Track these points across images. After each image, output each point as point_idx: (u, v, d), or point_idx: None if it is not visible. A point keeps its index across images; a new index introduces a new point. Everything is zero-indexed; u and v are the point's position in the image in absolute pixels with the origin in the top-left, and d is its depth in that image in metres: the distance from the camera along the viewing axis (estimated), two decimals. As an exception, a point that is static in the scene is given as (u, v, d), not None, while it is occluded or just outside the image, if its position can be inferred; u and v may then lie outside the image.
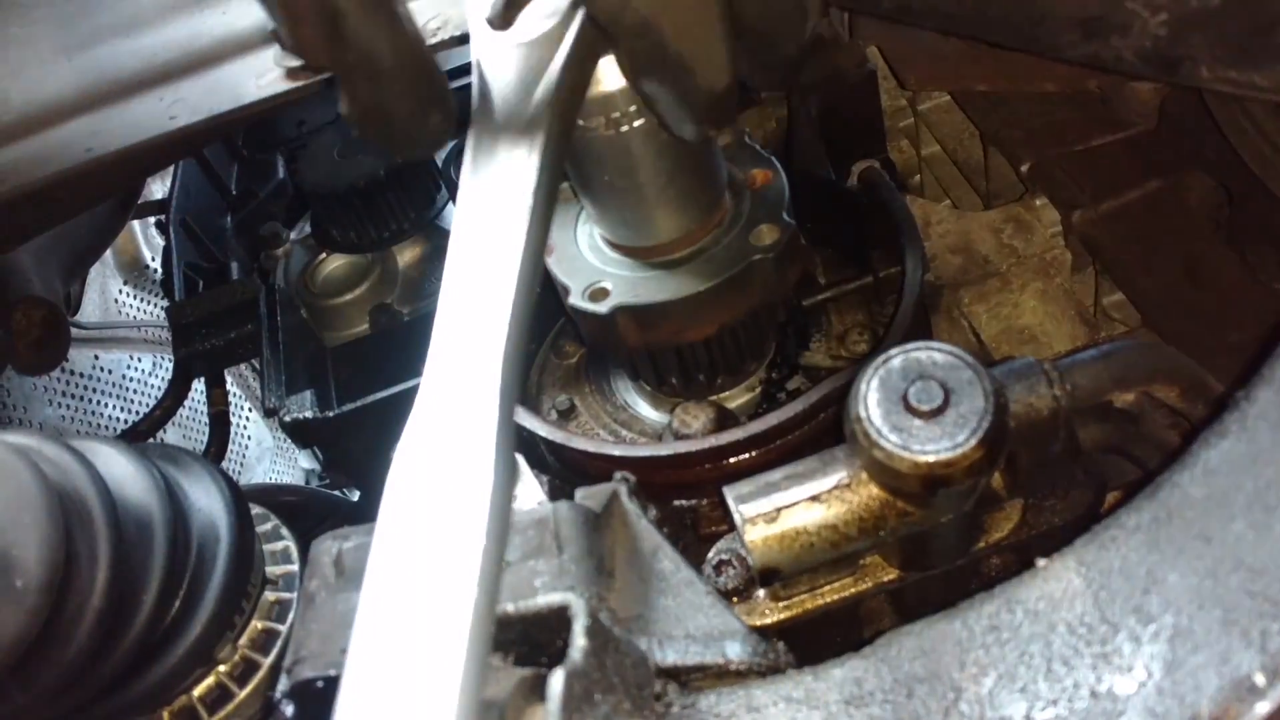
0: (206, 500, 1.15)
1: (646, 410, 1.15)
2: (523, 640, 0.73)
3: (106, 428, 2.03)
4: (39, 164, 1.13)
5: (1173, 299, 1.03)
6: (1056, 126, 1.23)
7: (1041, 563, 0.69)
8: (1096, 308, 1.15)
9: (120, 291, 2.24)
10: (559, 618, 0.71)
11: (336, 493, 2.16)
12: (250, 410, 2.60)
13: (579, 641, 0.67)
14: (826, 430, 1.01)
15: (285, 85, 1.09)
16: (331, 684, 0.80)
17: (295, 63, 1.09)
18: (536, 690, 0.66)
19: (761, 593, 0.94)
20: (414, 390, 1.17)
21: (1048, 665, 0.64)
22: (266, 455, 2.67)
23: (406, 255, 1.48)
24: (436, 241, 1.48)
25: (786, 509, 0.84)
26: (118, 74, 1.16)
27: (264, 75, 1.11)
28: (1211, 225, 1.06)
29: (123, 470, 1.08)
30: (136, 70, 1.15)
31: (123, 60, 1.17)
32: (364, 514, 1.41)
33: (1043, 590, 0.67)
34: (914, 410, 0.78)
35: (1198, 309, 1.01)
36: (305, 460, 2.78)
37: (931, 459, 0.77)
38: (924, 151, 1.51)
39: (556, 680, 0.63)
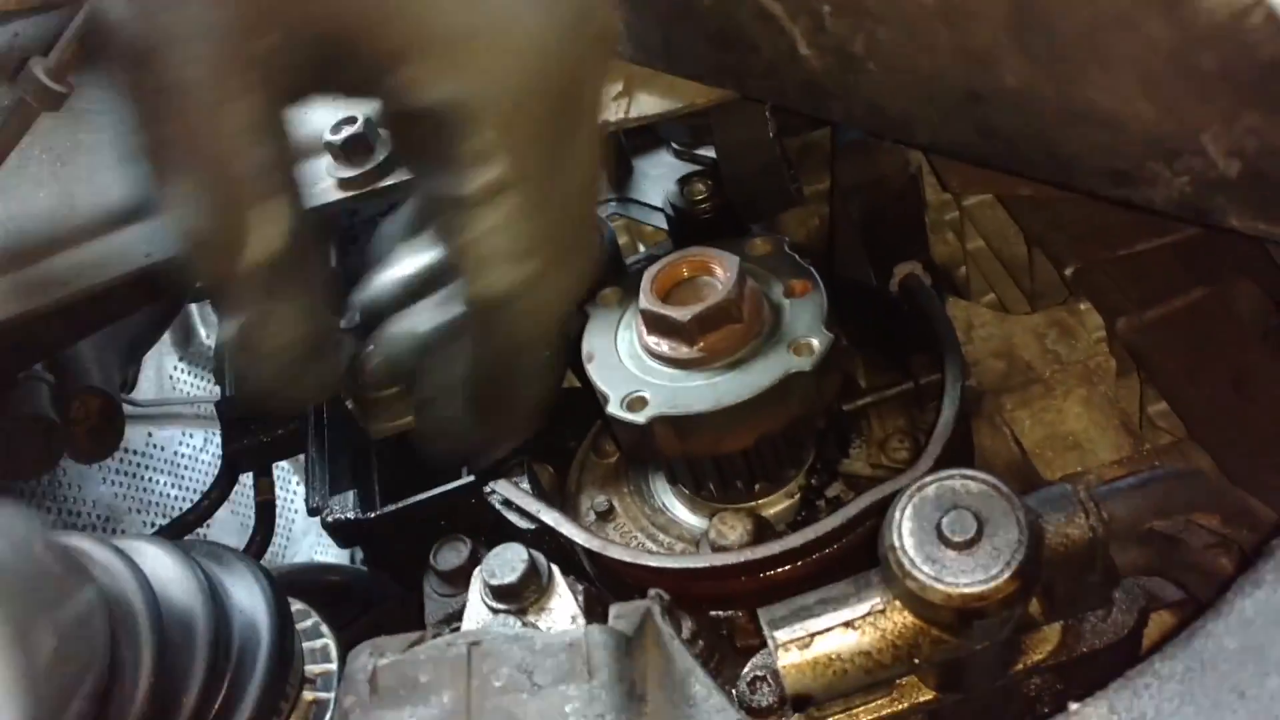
0: (249, 599, 1.16)
1: (685, 514, 1.15)
2: (551, 772, 0.73)
3: (158, 505, 2.07)
4: (100, 268, 1.17)
5: (1220, 412, 1.02)
6: (1101, 230, 1.22)
7: (1074, 707, 0.68)
8: (1142, 416, 1.13)
9: (175, 368, 2.29)
10: (586, 752, 0.71)
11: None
12: (299, 483, 2.63)
13: (605, 778, 0.66)
14: (864, 544, 1.00)
15: (337, 195, 1.12)
16: (363, 806, 0.81)
17: (348, 173, 1.12)
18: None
19: (796, 716, 0.93)
20: (453, 494, 1.20)
21: (1079, 817, 0.63)
22: (314, 528, 2.69)
23: (453, 346, 1.50)
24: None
25: (820, 634, 0.84)
26: (178, 180, 1.20)
27: (317, 183, 1.15)
28: (1260, 336, 1.05)
29: (167, 572, 1.09)
30: (194, 177, 1.19)
31: (183, 167, 1.21)
32: (402, 612, 1.41)
33: (1076, 736, 0.66)
34: (947, 541, 0.77)
35: (1246, 423, 1.00)
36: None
37: (965, 591, 0.76)
38: (969, 246, 1.50)
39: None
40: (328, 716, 1.18)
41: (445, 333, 0.81)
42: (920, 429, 1.13)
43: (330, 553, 2.72)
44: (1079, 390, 1.15)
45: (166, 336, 2.23)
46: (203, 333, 2.34)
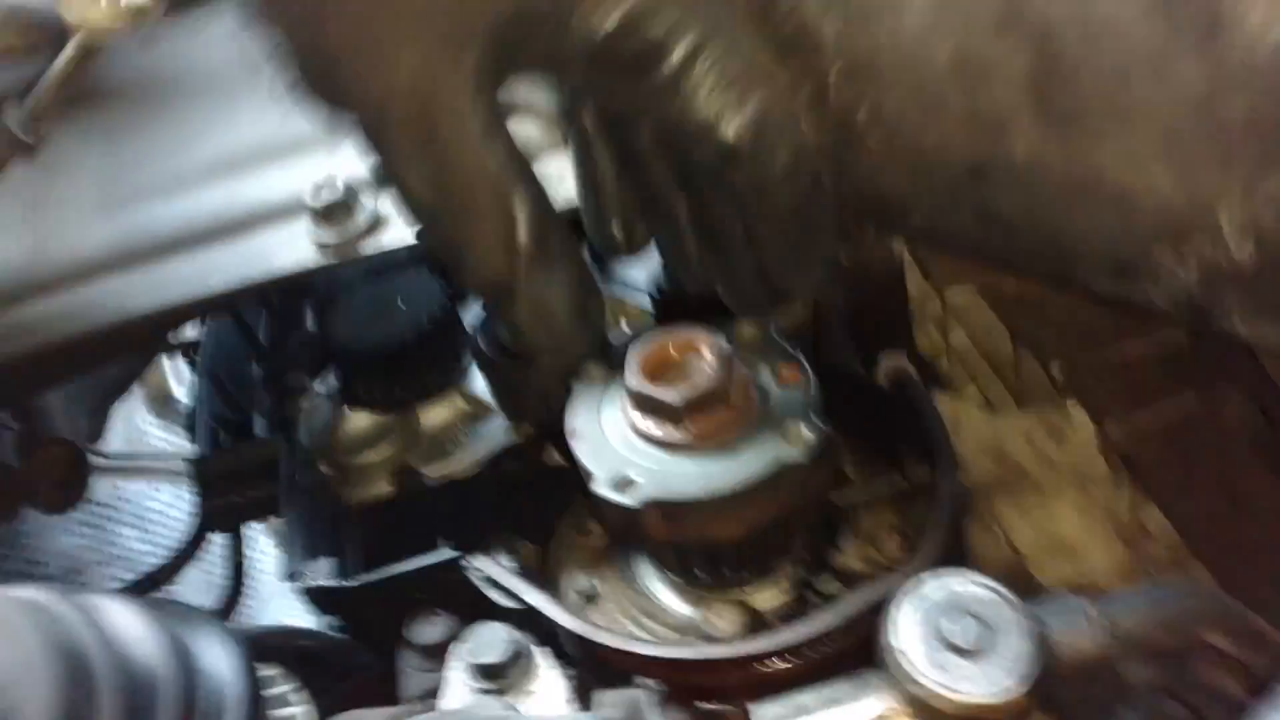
0: (216, 664, 1.11)
1: (672, 601, 1.12)
2: None
3: (124, 559, 2.00)
4: (71, 319, 1.15)
5: (1215, 526, 1.02)
6: (1087, 329, 1.23)
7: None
8: (1135, 523, 1.13)
9: (144, 421, 2.24)
10: None
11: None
12: (267, 542, 2.57)
13: None
14: (861, 640, 0.99)
15: (316, 259, 1.10)
16: None
17: (325, 239, 1.11)
18: None
19: (788, 818, 0.90)
20: (440, 565, 1.17)
21: None
22: (281, 590, 2.62)
23: (431, 416, 1.47)
24: (462, 403, 1.48)
25: (819, 739, 0.81)
26: (154, 234, 1.19)
27: (295, 246, 1.14)
28: (1252, 449, 1.05)
29: (132, 630, 1.05)
30: (172, 232, 1.18)
31: (159, 222, 1.20)
32: (386, 675, 1.37)
33: None
34: (954, 647, 0.76)
35: (1242, 539, 1.00)
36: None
37: (976, 701, 0.75)
38: (952, 340, 1.50)
39: None
40: (293, 791, 1.14)
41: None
42: (912, 525, 1.12)
43: (298, 616, 2.65)
44: (1071, 493, 1.14)
45: (137, 389, 2.18)
46: (174, 386, 2.29)
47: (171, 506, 2.23)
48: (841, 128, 0.86)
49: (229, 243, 1.15)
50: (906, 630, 0.77)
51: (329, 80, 0.67)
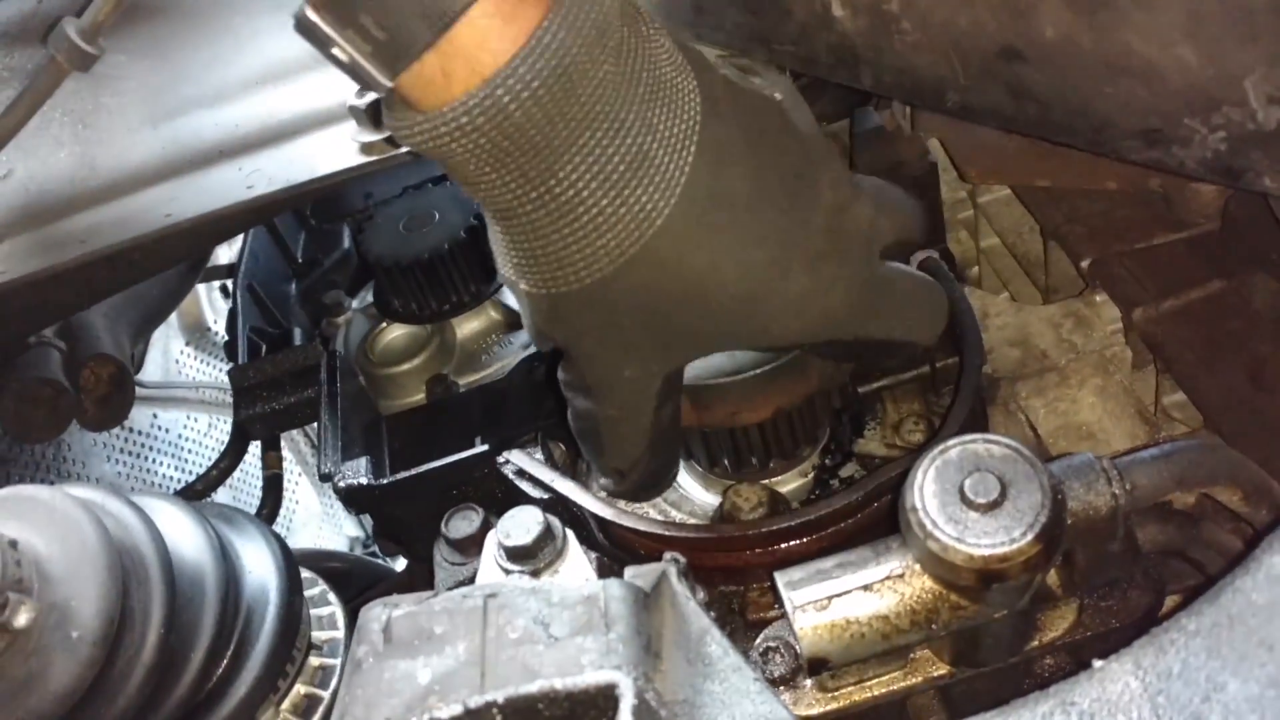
0: (258, 562, 1.15)
1: (697, 491, 1.14)
2: (568, 718, 0.72)
3: (161, 486, 2.06)
4: (119, 228, 1.17)
5: (1236, 402, 1.02)
6: (1118, 224, 1.23)
7: (1098, 664, 0.67)
8: (1157, 407, 1.13)
9: (181, 352, 2.28)
10: (605, 697, 0.71)
11: (381, 562, 2.17)
12: (300, 475, 2.63)
13: (626, 722, 0.66)
14: (880, 519, 1.00)
15: (359, 159, 1.12)
16: (375, 753, 0.80)
17: (368, 138, 1.12)
18: (580, 770, 0.66)
19: (809, 683, 0.93)
20: (466, 463, 1.20)
21: (1102, 771, 0.63)
22: (313, 520, 2.68)
23: (465, 328, 1.50)
24: (495, 315, 1.50)
25: (838, 597, 0.83)
26: (200, 144, 1.20)
27: (338, 149, 1.15)
28: (1277, 329, 1.05)
29: (180, 528, 1.09)
30: (217, 141, 1.20)
31: (205, 131, 1.22)
32: (407, 586, 1.41)
33: (1099, 693, 0.66)
34: (970, 503, 0.77)
35: (1262, 413, 1.00)
36: (351, 528, 2.80)
37: (986, 553, 0.76)
38: (983, 244, 1.51)
39: (602, 761, 0.62)
40: (333, 682, 1.18)
41: None
42: (935, 413, 1.13)
43: (330, 546, 2.72)
44: (1094, 380, 1.15)
45: (174, 320, 2.22)
46: (209, 317, 2.33)
47: (206, 436, 2.28)
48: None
49: (274, 149, 1.16)
50: (926, 490, 0.78)
51: (573, 365, 0.90)
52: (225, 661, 1.06)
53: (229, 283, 2.28)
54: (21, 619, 0.91)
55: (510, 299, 1.48)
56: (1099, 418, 1.13)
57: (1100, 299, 1.21)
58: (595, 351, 0.88)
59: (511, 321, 1.49)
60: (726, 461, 1.10)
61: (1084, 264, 1.22)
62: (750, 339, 0.87)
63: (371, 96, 1.16)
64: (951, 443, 0.80)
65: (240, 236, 1.78)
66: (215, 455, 1.72)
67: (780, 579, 0.86)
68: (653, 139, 0.77)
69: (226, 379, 2.27)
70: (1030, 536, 0.75)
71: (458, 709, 0.72)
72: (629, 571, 0.90)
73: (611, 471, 0.99)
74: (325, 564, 1.88)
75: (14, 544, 0.93)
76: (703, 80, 0.80)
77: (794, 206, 0.83)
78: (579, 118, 0.74)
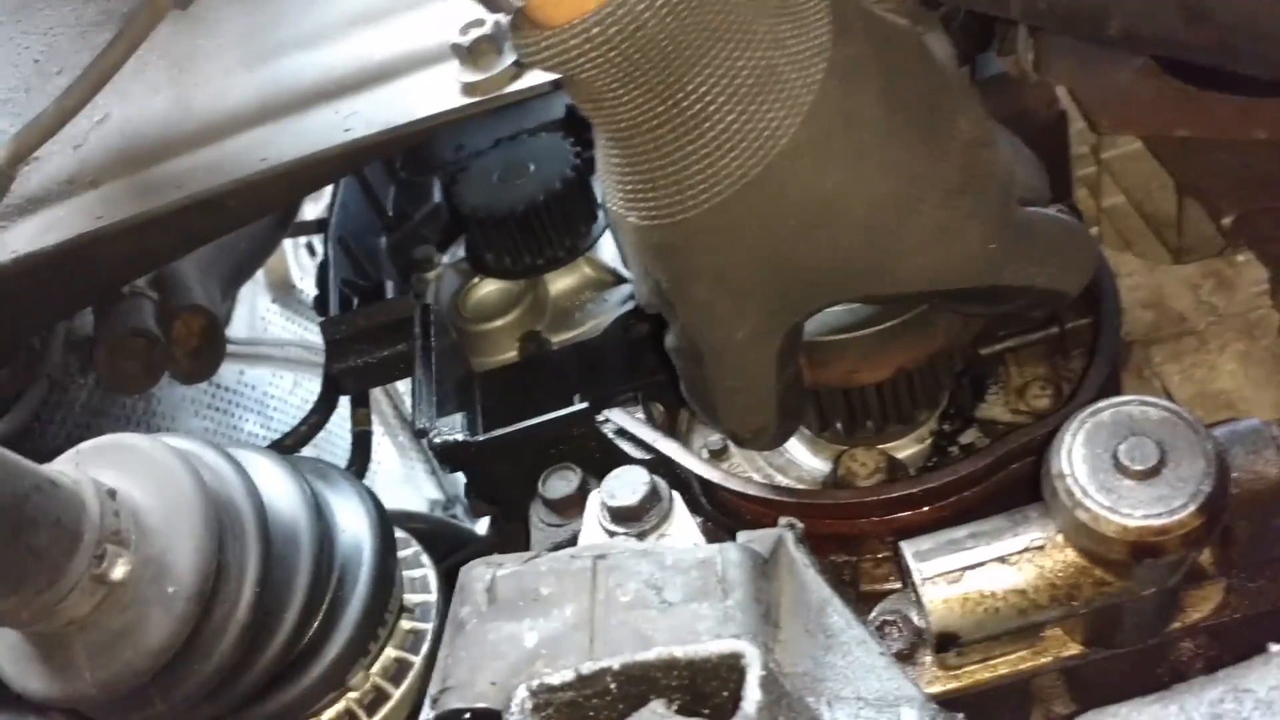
0: (353, 520, 1.13)
1: (804, 456, 1.09)
2: (687, 688, 0.68)
3: (246, 443, 2.05)
4: (215, 172, 1.14)
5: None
6: (1265, 177, 1.14)
7: (1276, 647, 0.61)
8: (1307, 374, 1.06)
9: (267, 309, 2.28)
10: (729, 666, 0.67)
11: (464, 525, 2.15)
12: (383, 435, 2.62)
13: (754, 694, 0.62)
14: (1007, 488, 0.94)
15: (460, 100, 1.07)
16: (479, 717, 0.77)
17: (471, 78, 1.08)
18: (704, 743, 0.61)
19: (928, 659, 0.87)
20: (563, 420, 1.16)
21: (1284, 766, 0.57)
22: (394, 482, 2.67)
23: (559, 284, 1.46)
24: (590, 271, 1.46)
25: (971, 570, 0.78)
26: (296, 86, 1.17)
27: (439, 91, 1.11)
28: None
29: (275, 483, 1.07)
30: (314, 83, 1.16)
31: (302, 73, 1.18)
32: (496, 548, 1.38)
33: (1278, 679, 0.60)
34: (1125, 470, 0.71)
35: None
36: (431, 490, 2.78)
37: (1143, 524, 0.70)
38: (1105, 203, 1.42)
39: (731, 734, 0.58)
40: (424, 647, 1.15)
41: None
42: (1064, 377, 1.06)
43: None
44: (1236, 345, 1.07)
45: (260, 276, 2.22)
46: (296, 274, 2.32)
47: (291, 394, 2.28)
48: None
49: (371, 91, 1.12)
50: (1076, 455, 0.72)
51: (689, 320, 0.85)
52: (318, 621, 1.04)
53: (316, 240, 2.28)
54: (119, 571, 0.89)
55: (605, 254, 1.44)
56: (1240, 385, 1.06)
57: (1243, 258, 1.13)
58: (707, 301, 0.83)
59: (605, 279, 1.45)
60: (839, 424, 1.04)
61: (1226, 221, 1.13)
62: (876, 282, 0.81)
63: (475, 34, 1.12)
64: (1103, 404, 0.74)
65: (329, 190, 1.75)
66: (300, 414, 1.71)
67: (907, 549, 0.81)
68: (781, 54, 0.73)
69: (311, 338, 2.28)
70: (1192, 508, 0.69)
71: (569, 675, 0.69)
72: (742, 536, 0.86)
73: (735, 437, 0.95)
74: (409, 525, 1.86)
75: (113, 493, 0.90)
76: (834, 1, 0.75)
77: (928, 138, 0.78)
78: (711, 28, 0.71)
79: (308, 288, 2.36)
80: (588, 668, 0.69)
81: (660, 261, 0.82)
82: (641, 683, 0.68)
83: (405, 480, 2.73)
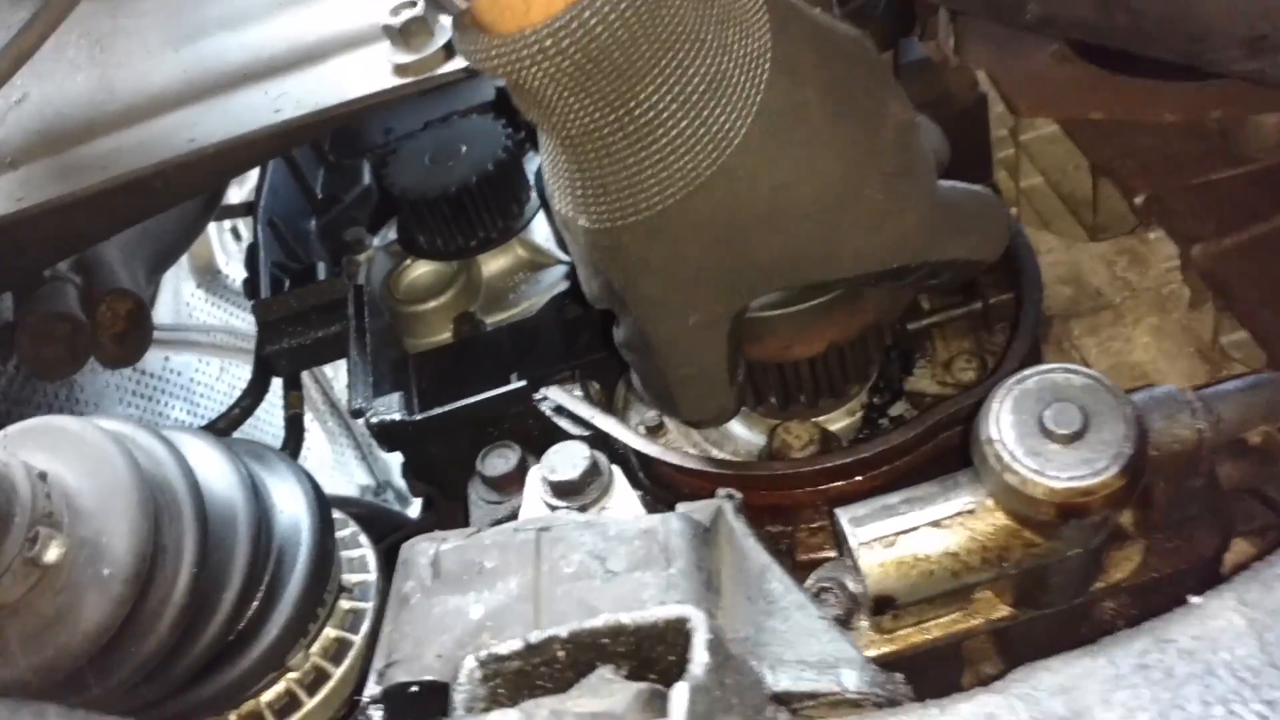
0: (290, 500, 1.12)
1: (740, 429, 1.11)
2: (634, 654, 0.69)
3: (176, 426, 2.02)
4: (141, 153, 1.12)
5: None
6: (1174, 158, 1.19)
7: (1196, 600, 0.64)
8: (1215, 345, 1.10)
9: (192, 295, 2.24)
10: (676, 631, 0.68)
11: (397, 510, 2.13)
12: (311, 421, 2.59)
13: (701, 656, 0.63)
14: (935, 458, 0.97)
15: (392, 81, 1.07)
16: (426, 690, 0.77)
17: (403, 59, 1.08)
18: (653, 704, 0.63)
19: (864, 624, 0.90)
20: (501, 399, 1.17)
21: (1205, 710, 0.60)
22: (324, 468, 2.65)
23: (492, 265, 1.45)
24: (523, 253, 1.46)
25: (905, 534, 0.80)
26: (224, 66, 1.15)
27: (370, 72, 1.10)
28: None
29: (210, 464, 1.06)
30: (243, 63, 1.15)
31: (229, 53, 1.17)
32: (430, 528, 1.37)
33: (1200, 629, 0.63)
34: (1050, 434, 0.74)
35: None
36: (362, 476, 2.76)
37: (1069, 486, 0.73)
38: (1024, 183, 1.47)
39: (680, 694, 0.59)
40: (364, 627, 1.15)
41: None
42: (987, 350, 1.10)
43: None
44: (1150, 318, 1.11)
45: (185, 261, 2.18)
46: (221, 259, 2.29)
47: (218, 380, 2.24)
48: None
49: (301, 72, 1.11)
50: (1004, 421, 0.75)
51: (641, 313, 0.87)
52: (257, 602, 1.03)
53: (241, 224, 2.24)
54: (51, 554, 0.88)
55: (538, 235, 1.44)
56: (1153, 357, 1.10)
57: (1155, 236, 1.18)
58: (656, 295, 0.85)
59: (539, 260, 1.45)
60: (773, 399, 1.06)
61: (1138, 200, 1.18)
62: (823, 264, 0.84)
63: (406, 15, 1.12)
64: (1029, 372, 0.77)
65: (253, 174, 1.73)
66: (227, 401, 1.68)
67: (843, 515, 0.83)
68: (728, 58, 0.74)
69: (237, 323, 2.25)
70: (1115, 469, 0.72)
71: (518, 644, 0.69)
72: (682, 507, 0.87)
73: (693, 422, 0.99)
74: (343, 509, 1.85)
75: (44, 476, 0.89)
76: (769, 1, 0.77)
77: (866, 124, 0.80)
78: (661, 38, 0.71)
79: (233, 272, 2.32)
80: (536, 636, 0.70)
81: (612, 261, 0.83)
82: (590, 650, 0.69)
83: (336, 465, 2.71)
